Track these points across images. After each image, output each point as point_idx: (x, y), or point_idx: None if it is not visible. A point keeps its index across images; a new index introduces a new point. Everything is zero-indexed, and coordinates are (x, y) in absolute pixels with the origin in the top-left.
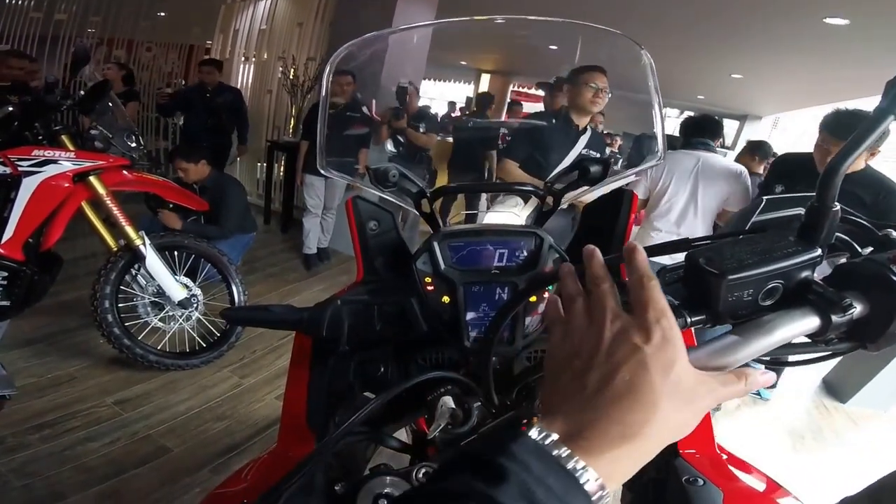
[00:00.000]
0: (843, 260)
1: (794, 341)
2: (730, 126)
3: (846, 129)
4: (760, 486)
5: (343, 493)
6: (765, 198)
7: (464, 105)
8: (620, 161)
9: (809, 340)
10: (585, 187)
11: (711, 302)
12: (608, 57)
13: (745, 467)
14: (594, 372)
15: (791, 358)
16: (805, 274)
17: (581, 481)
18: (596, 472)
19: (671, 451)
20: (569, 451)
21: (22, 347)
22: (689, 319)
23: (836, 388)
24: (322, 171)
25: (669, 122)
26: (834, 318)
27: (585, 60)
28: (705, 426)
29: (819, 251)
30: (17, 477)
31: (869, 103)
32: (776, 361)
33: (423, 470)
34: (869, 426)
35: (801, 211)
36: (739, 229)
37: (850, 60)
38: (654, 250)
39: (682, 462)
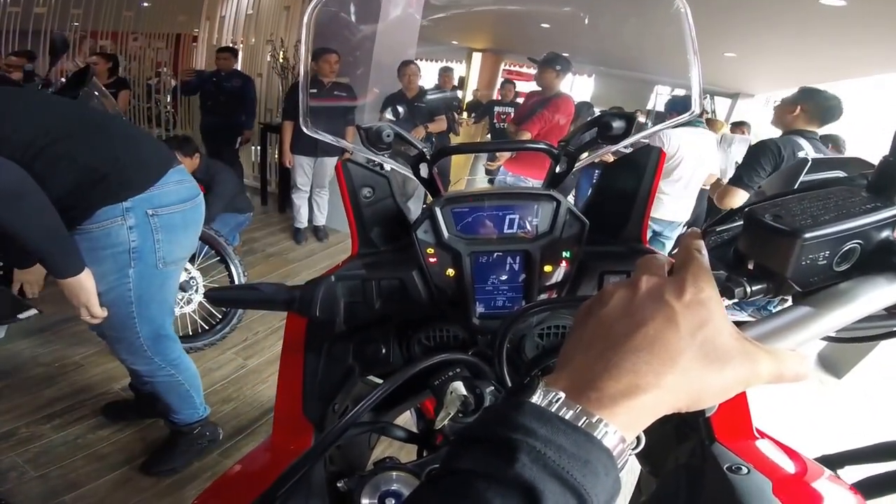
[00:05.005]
0: None
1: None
2: (721, 104)
3: None
4: (806, 472)
5: (346, 489)
6: (810, 157)
7: (455, 84)
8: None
9: (886, 313)
10: (605, 146)
11: (778, 267)
12: (637, 8)
13: (788, 452)
14: (619, 324)
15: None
16: (886, 234)
17: (597, 435)
18: (613, 424)
19: (707, 436)
20: (580, 406)
21: (30, 337)
22: (749, 289)
23: (832, 364)
24: (307, 131)
25: (662, 98)
26: None
27: (611, 13)
28: (743, 408)
29: None
30: (34, 467)
31: (865, 83)
32: (846, 339)
33: (434, 470)
34: (866, 402)
35: (840, 173)
36: (791, 189)
37: (846, 40)
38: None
39: (721, 448)
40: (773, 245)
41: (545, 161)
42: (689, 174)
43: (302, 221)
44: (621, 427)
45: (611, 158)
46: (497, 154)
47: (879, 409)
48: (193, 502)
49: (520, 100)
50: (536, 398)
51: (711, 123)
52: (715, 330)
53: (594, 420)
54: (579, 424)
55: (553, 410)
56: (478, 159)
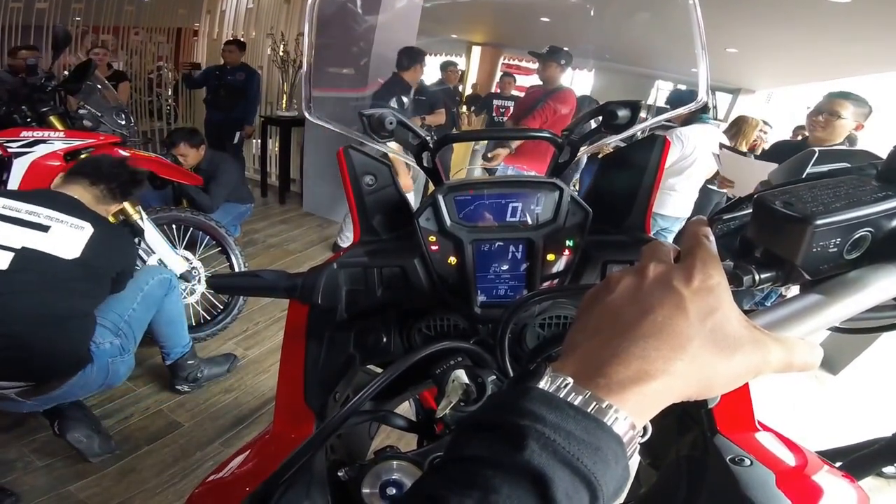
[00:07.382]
0: None
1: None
2: (722, 99)
3: None
4: (809, 465)
5: (347, 479)
6: (817, 149)
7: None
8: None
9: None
10: (608, 136)
11: (788, 254)
12: (642, 2)
13: (790, 445)
14: (626, 311)
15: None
16: None
17: (607, 422)
18: (624, 410)
19: (709, 428)
20: (588, 392)
21: None
22: (757, 276)
23: (827, 360)
24: (309, 117)
25: (662, 94)
26: None
27: (616, 6)
28: (745, 400)
29: None
30: (40, 457)
31: (869, 80)
32: (853, 330)
33: (437, 459)
34: (861, 398)
35: (846, 164)
36: (799, 178)
37: (851, 37)
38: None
39: (723, 440)
40: (783, 232)
41: (545, 155)
42: (698, 171)
43: None
44: (631, 414)
45: (607, 151)
46: (494, 152)
47: (874, 405)
48: (195, 491)
49: (515, 92)
50: (544, 384)
51: (743, 122)
52: (724, 317)
53: (604, 406)
54: (589, 410)
55: (561, 396)
56: (476, 153)
